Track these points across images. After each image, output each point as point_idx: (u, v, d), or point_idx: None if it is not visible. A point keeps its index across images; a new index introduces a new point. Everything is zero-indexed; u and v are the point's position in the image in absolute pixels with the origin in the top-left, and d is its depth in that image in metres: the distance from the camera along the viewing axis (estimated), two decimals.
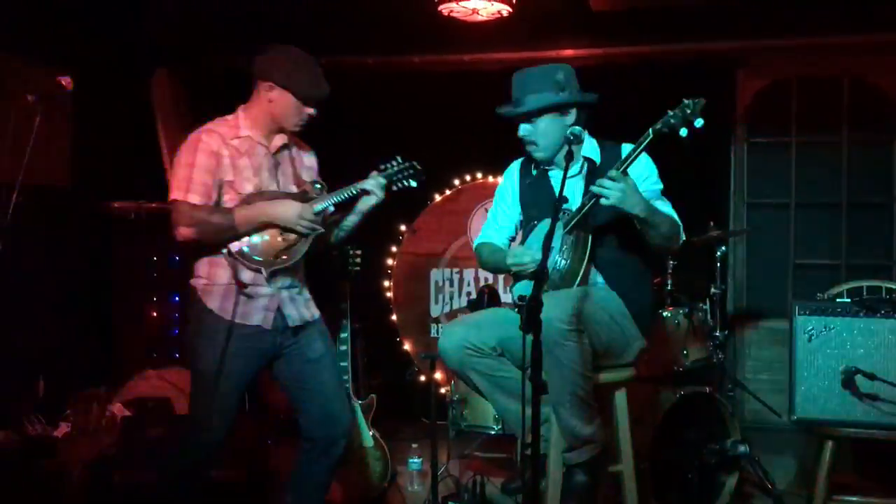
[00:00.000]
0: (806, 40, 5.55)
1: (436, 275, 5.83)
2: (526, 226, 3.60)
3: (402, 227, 5.88)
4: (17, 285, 4.48)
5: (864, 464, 4.28)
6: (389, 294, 5.88)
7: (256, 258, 3.27)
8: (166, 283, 5.33)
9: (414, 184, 3.52)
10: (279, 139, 3.39)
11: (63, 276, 5.15)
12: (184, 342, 3.41)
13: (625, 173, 3.16)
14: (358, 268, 4.37)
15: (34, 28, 4.88)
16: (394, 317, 5.85)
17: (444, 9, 4.45)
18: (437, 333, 5.71)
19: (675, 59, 5.66)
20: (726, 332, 4.88)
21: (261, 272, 3.27)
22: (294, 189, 3.42)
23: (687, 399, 4.11)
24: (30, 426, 4.65)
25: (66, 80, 2.96)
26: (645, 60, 5.66)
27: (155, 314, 5.44)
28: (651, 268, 3.58)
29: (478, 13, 4.48)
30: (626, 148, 3.31)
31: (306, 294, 3.49)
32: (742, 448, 4.07)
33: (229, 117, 3.38)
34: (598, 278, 3.40)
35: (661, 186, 3.42)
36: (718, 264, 4.87)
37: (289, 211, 3.27)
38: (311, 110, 3.37)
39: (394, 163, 3.50)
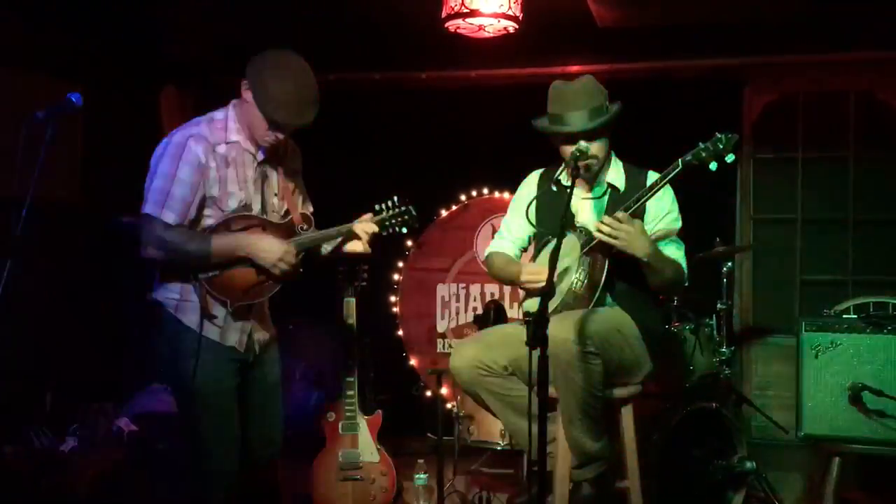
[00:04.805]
0: (813, 57, 5.57)
1: (442, 290, 5.83)
2: (540, 240, 3.57)
3: (409, 242, 5.89)
4: (25, 300, 4.49)
5: (871, 480, 4.26)
6: (396, 309, 5.88)
7: (224, 291, 3.05)
8: None
9: (405, 230, 3.33)
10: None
11: (71, 290, 5.16)
12: (163, 367, 3.16)
13: (634, 214, 3.16)
14: (364, 283, 4.38)
15: (44, 44, 4.91)
16: (400, 332, 5.85)
17: (451, 25, 4.46)
18: (444, 348, 5.71)
19: (681, 75, 5.68)
20: (733, 348, 4.86)
21: (225, 305, 3.07)
22: (276, 202, 3.20)
23: (693, 415, 4.10)
24: (37, 440, 4.66)
25: (75, 97, 2.96)
26: (651, 77, 5.68)
27: None
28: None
29: (484, 30, 4.49)
30: (652, 175, 3.29)
31: (268, 314, 3.33)
32: (749, 464, 4.06)
33: (218, 116, 3.08)
34: (611, 300, 3.38)
35: (679, 225, 3.39)
36: (725, 280, 4.87)
37: (271, 252, 3.03)
38: (279, 134, 3.03)
39: (389, 204, 3.31)
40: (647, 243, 3.15)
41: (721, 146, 3.05)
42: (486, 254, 3.78)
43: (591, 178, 3.38)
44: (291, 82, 2.98)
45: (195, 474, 3.17)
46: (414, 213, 3.32)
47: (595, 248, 3.27)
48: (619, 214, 3.12)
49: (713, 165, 3.07)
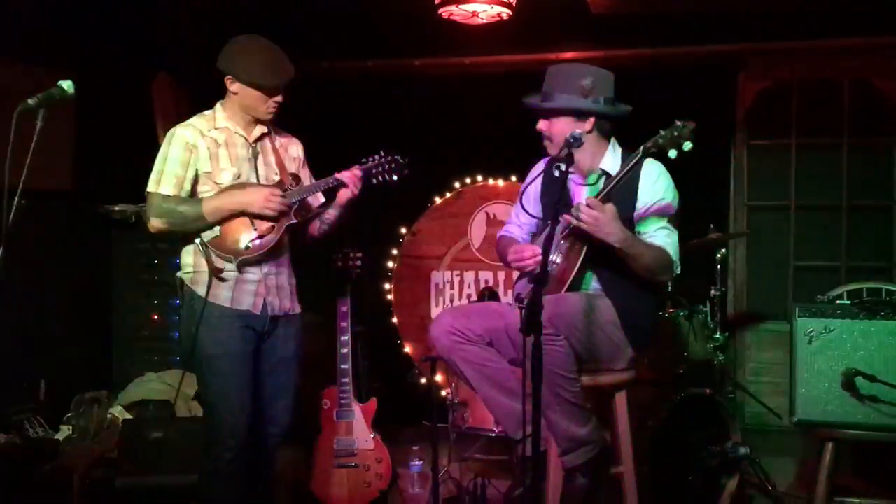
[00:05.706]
0: (807, 43, 5.57)
1: (436, 277, 5.84)
2: (543, 225, 3.56)
3: (403, 230, 5.88)
4: (18, 288, 4.49)
5: (864, 466, 4.28)
6: (390, 297, 5.88)
7: (227, 248, 3.30)
8: (167, 286, 5.33)
9: (395, 178, 3.53)
10: (258, 129, 3.42)
11: (65, 278, 5.16)
12: (182, 336, 3.45)
13: (606, 199, 3.15)
14: (359, 270, 4.37)
15: (36, 32, 4.88)
16: (394, 319, 5.86)
17: (445, 12, 4.45)
18: None
19: (675, 61, 5.67)
20: (727, 335, 4.87)
21: (231, 261, 3.30)
22: (276, 179, 3.43)
23: (687, 401, 4.11)
24: (31, 429, 4.66)
25: (67, 84, 2.95)
26: (645, 63, 5.67)
27: (156, 317, 5.45)
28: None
29: (478, 16, 4.48)
30: (647, 162, 3.26)
31: (291, 286, 3.51)
32: (742, 450, 4.07)
33: (207, 112, 3.43)
34: (597, 285, 3.37)
35: (671, 213, 3.34)
36: (719, 266, 4.88)
37: (255, 196, 3.29)
38: (277, 98, 3.36)
39: (376, 157, 3.54)
40: (618, 229, 3.14)
41: (677, 133, 3.08)
42: (497, 236, 3.82)
43: (564, 160, 3.32)
44: (262, 49, 3.34)
45: (204, 436, 3.39)
46: (402, 160, 3.54)
47: (573, 233, 3.29)
48: (591, 200, 3.13)
49: (672, 153, 3.09)
